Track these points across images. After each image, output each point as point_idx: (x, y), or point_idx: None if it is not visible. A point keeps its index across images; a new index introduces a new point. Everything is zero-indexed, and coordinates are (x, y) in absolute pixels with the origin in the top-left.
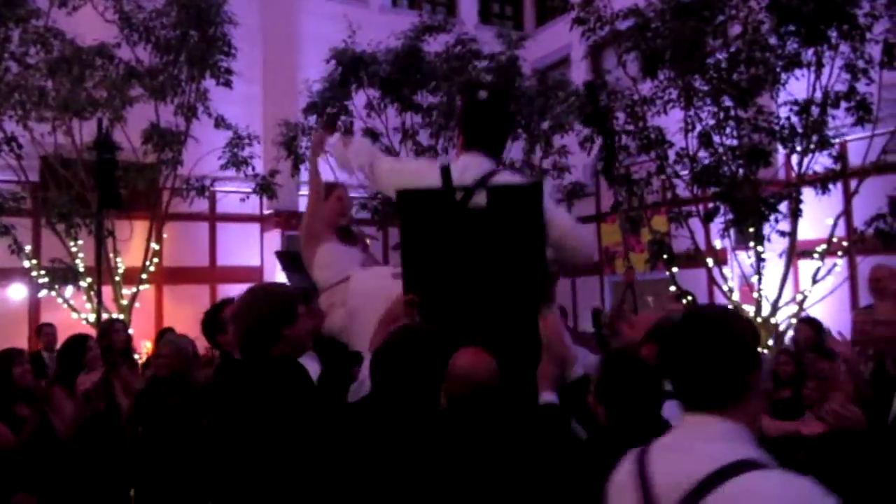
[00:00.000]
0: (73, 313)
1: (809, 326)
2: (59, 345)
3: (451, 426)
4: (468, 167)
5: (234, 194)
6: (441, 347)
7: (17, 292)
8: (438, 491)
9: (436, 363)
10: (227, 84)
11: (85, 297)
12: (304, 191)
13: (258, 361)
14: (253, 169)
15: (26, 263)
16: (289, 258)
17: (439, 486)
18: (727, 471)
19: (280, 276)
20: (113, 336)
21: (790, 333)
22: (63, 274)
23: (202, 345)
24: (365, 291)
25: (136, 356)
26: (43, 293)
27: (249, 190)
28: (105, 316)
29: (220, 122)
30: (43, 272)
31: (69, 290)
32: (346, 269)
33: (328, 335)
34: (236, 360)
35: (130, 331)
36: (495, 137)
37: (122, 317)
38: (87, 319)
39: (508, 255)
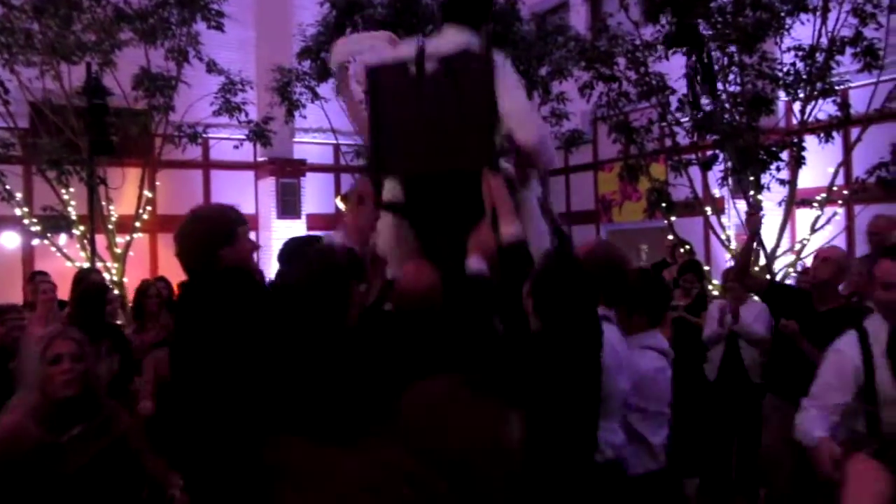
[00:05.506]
0: (68, 262)
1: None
2: (56, 292)
3: (391, 336)
4: (442, 41)
5: (227, 141)
6: (342, 273)
7: (11, 240)
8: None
9: (335, 289)
10: (219, 27)
11: (79, 246)
12: (299, 137)
13: (200, 277)
14: (246, 115)
15: (18, 211)
16: None
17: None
18: None
19: (275, 224)
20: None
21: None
22: (56, 222)
23: None
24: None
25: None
26: (36, 241)
27: (243, 136)
28: (99, 265)
29: (212, 67)
30: (35, 220)
31: (63, 239)
32: None
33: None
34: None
35: (125, 279)
36: (469, 7)
37: (116, 265)
38: (81, 268)
39: (456, 121)
